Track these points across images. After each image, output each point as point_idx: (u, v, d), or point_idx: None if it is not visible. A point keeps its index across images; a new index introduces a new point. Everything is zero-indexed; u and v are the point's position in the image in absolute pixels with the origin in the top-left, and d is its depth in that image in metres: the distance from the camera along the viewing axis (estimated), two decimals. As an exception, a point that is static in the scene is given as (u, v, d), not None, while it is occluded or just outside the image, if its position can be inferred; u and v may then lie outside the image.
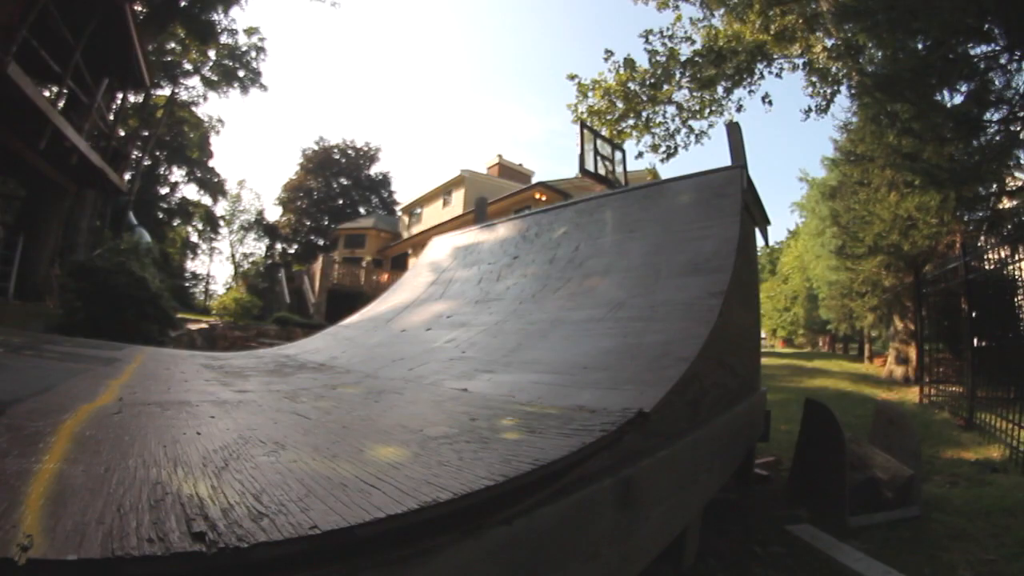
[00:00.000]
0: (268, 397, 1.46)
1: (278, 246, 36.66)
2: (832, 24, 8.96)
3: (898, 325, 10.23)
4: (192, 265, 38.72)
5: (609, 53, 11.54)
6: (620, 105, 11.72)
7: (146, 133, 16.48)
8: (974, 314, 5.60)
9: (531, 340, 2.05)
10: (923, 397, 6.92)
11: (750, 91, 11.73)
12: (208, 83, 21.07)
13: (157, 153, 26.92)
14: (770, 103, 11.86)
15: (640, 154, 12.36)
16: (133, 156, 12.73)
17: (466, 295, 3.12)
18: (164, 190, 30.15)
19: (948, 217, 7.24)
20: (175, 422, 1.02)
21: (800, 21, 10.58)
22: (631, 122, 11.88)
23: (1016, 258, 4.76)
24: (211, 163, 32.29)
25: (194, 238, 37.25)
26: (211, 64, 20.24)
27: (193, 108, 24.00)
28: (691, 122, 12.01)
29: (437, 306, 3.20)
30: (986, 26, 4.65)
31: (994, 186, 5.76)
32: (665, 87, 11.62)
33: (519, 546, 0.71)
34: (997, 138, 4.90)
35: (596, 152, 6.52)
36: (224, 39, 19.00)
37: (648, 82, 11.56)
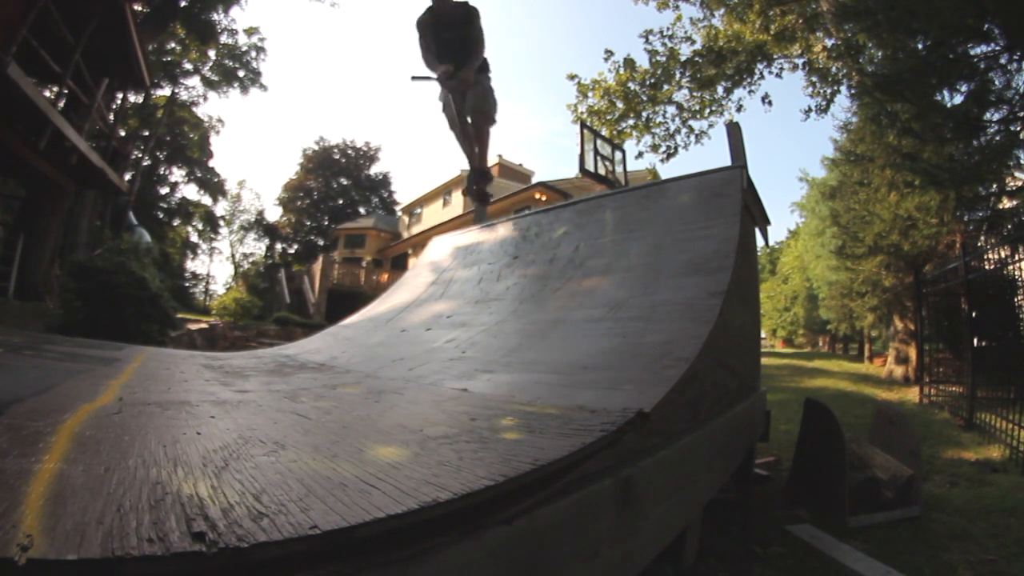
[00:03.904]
0: (268, 397, 1.46)
1: (278, 246, 36.70)
2: (832, 24, 8.95)
3: (898, 325, 10.24)
4: (192, 265, 38.87)
5: (609, 53, 11.55)
6: (620, 105, 11.72)
7: (146, 133, 16.50)
8: (974, 314, 5.60)
9: (531, 340, 2.05)
10: (923, 397, 6.92)
11: (750, 91, 11.74)
12: (208, 83, 21.12)
13: (157, 153, 26.94)
14: (770, 103, 11.86)
15: (640, 154, 12.37)
16: (133, 156, 12.73)
17: (466, 295, 3.11)
18: (164, 190, 30.18)
19: (948, 217, 7.25)
20: (175, 422, 1.02)
21: (800, 21, 10.58)
22: (631, 122, 11.87)
23: (1016, 258, 4.76)
24: (211, 163, 32.36)
25: (194, 238, 37.34)
26: (211, 64, 20.29)
27: (193, 108, 24.05)
28: (691, 122, 12.01)
29: (437, 306, 3.19)
30: (986, 26, 4.65)
31: (994, 186, 5.77)
32: (665, 87, 11.61)
33: (519, 546, 0.71)
34: (997, 138, 4.90)
35: (596, 152, 6.52)
36: (224, 39, 19.05)
37: (648, 82, 11.55)
